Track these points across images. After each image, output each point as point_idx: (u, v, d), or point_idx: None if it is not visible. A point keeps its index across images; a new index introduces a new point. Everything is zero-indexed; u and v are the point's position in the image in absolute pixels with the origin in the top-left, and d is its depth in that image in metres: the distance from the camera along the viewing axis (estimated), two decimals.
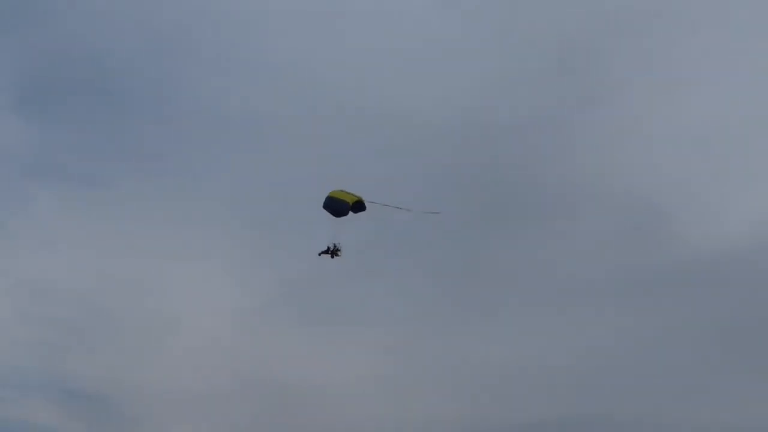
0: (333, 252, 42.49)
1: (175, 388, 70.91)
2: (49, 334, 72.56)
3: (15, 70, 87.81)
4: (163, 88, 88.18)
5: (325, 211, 40.70)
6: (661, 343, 69.90)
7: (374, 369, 71.77)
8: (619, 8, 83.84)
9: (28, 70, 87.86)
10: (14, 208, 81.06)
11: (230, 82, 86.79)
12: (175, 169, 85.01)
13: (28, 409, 68.84)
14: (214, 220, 79.55)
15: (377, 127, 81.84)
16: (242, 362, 72.32)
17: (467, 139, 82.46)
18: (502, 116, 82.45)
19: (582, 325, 72.95)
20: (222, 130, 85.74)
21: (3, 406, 68.19)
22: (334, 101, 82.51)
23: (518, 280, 76.28)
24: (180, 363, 72.43)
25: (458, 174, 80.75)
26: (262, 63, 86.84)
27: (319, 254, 42.66)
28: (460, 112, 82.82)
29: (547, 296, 75.12)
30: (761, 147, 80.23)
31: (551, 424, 66.86)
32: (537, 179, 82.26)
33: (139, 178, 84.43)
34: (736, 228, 74.39)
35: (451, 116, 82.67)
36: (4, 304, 74.34)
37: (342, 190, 40.74)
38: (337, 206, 40.35)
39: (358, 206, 40.96)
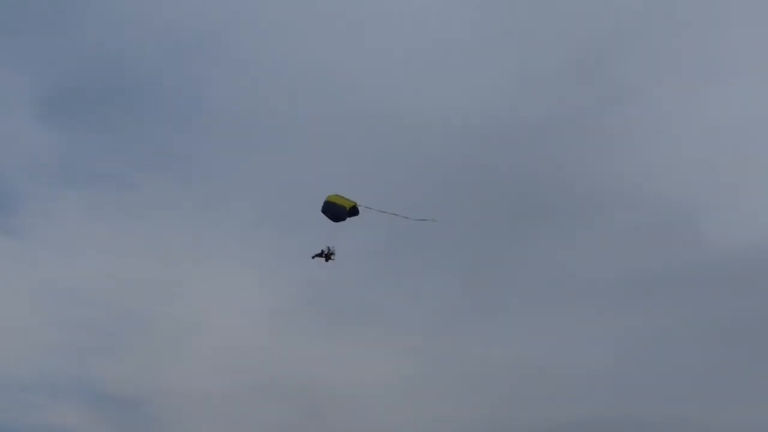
0: (327, 256, 42.44)
1: (202, 389, 71.50)
2: (77, 337, 73.53)
3: (40, 75, 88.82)
4: (187, 91, 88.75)
5: (323, 215, 41.14)
6: (690, 344, 69.16)
7: (397, 370, 71.67)
8: (646, 7, 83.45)
9: (53, 75, 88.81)
10: (42, 212, 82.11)
11: (255, 84, 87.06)
12: (200, 171, 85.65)
13: (57, 412, 69.87)
14: (239, 222, 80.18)
15: (399, 129, 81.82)
16: (268, 363, 72.72)
17: (487, 141, 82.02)
18: (525, 117, 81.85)
19: (603, 327, 71.75)
20: (247, 132, 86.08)
21: (32, 410, 69.30)
22: (355, 103, 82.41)
23: (538, 282, 75.65)
24: (207, 365, 73.11)
25: (480, 175, 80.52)
26: (286, 65, 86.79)
27: (313, 257, 42.64)
28: (480, 113, 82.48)
29: (569, 298, 74.07)
30: None
31: (571, 426, 66.71)
32: (560, 181, 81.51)
33: (165, 180, 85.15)
34: (764, 229, 73.66)
35: (472, 118, 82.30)
36: (32, 307, 75.47)
37: (338, 195, 41.07)
38: (336, 211, 40.74)
39: (353, 211, 41.12)
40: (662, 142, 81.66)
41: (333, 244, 42.34)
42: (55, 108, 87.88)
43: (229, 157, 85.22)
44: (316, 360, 71.95)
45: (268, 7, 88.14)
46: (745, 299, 70.14)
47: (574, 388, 69.38)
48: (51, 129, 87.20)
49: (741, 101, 79.58)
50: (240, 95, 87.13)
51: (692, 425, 64.90)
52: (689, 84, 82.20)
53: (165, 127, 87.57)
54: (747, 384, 65.74)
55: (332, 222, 41.01)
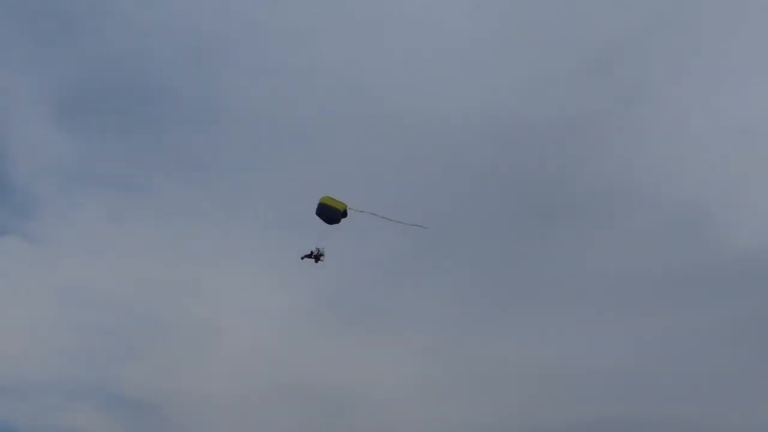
0: (317, 257, 42.71)
1: (220, 392, 71.44)
2: (95, 341, 73.78)
3: (57, 80, 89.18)
4: (205, 94, 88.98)
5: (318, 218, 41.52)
6: (709, 345, 68.93)
7: (415, 371, 71.33)
8: (662, 7, 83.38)
9: (71, 79, 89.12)
10: (60, 216, 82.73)
11: (273, 88, 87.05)
12: (219, 174, 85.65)
13: (76, 415, 70.00)
14: (258, 225, 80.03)
15: (419, 131, 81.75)
16: (286, 366, 72.46)
17: (507, 142, 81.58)
18: (544, 117, 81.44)
19: (626, 327, 70.97)
20: (265, 135, 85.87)
21: (51, 412, 69.55)
22: (377, 106, 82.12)
23: (560, 282, 75.09)
24: (225, 367, 72.97)
25: (504, 176, 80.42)
26: (304, 69, 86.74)
27: (302, 258, 42.95)
28: (498, 113, 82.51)
29: (592, 298, 73.39)
30: None
31: (589, 425, 66.38)
32: (580, 180, 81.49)
33: (183, 184, 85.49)
34: None
35: (490, 118, 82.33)
36: (51, 312, 75.96)
37: (330, 197, 41.34)
38: (330, 213, 41.12)
39: (344, 213, 41.43)
40: (678, 142, 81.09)
41: (323, 245, 42.69)
42: (73, 112, 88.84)
43: (248, 159, 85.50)
44: (334, 362, 71.70)
45: (277, 13, 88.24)
46: (762, 299, 70.09)
47: (593, 388, 68.75)
48: (69, 133, 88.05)
49: (756, 102, 78.86)
50: (259, 99, 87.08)
51: (704, 427, 64.72)
52: (704, 85, 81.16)
53: (184, 131, 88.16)
54: None
55: (326, 224, 41.49)
